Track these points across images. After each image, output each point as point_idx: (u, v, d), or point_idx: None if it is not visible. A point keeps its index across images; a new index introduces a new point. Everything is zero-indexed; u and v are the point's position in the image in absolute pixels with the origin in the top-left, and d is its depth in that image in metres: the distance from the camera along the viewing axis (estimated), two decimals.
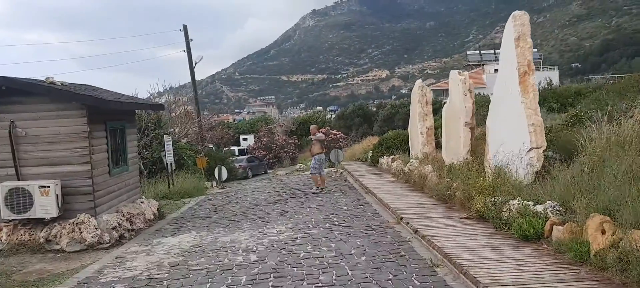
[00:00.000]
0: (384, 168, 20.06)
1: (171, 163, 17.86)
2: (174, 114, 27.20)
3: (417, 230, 8.46)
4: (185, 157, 22.97)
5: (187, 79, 28.22)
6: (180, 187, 17.41)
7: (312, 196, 14.86)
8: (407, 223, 9.12)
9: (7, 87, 9.22)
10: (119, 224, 10.18)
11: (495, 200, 8.68)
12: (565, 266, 5.91)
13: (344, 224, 10.03)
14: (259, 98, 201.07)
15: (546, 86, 30.40)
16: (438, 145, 18.49)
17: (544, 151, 10.15)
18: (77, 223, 9.51)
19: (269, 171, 32.79)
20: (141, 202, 12.15)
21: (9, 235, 9.43)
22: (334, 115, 59.65)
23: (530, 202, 7.85)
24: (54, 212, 9.34)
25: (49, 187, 9.30)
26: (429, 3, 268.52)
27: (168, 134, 18.79)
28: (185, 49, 27.75)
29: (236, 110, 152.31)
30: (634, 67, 66.15)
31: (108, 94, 10.94)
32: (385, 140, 22.40)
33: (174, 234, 10.38)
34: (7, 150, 9.55)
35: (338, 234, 9.16)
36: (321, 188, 15.87)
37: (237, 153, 38.48)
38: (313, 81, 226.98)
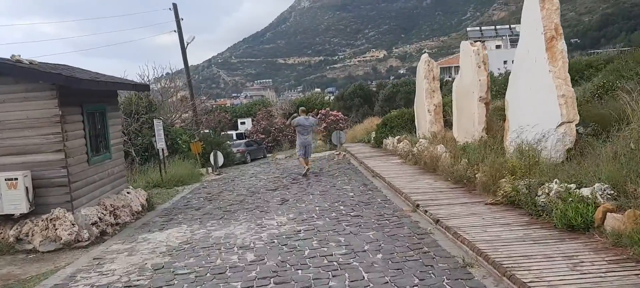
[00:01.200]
0: (389, 149, 18.94)
1: (163, 149, 16.71)
2: (171, 99, 26.00)
3: (438, 220, 7.36)
4: (180, 142, 21.82)
5: (182, 64, 26.94)
6: (173, 175, 16.29)
7: (314, 181, 13.75)
8: (426, 211, 8.01)
9: None
10: (100, 218, 9.06)
11: (528, 182, 7.57)
12: (633, 264, 4.81)
13: (352, 213, 8.92)
14: (256, 82, 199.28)
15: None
16: (447, 124, 17.39)
17: (575, 125, 9.05)
18: (51, 219, 8.40)
19: (268, 155, 31.68)
20: (127, 193, 11.03)
21: None
22: (332, 97, 58.42)
23: (572, 185, 6.73)
24: (23, 207, 8.22)
25: (16, 179, 8.16)
26: None
27: (159, 118, 17.61)
28: (176, 29, 26.43)
29: (233, 95, 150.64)
30: (633, 41, 64.68)
31: (84, 73, 9.74)
32: (390, 120, 21.24)
33: (163, 228, 9.27)
34: None
35: (347, 225, 8.05)
36: (306, 171, 15.45)
37: (234, 137, 37.33)
38: (310, 63, 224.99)
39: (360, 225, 7.98)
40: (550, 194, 6.87)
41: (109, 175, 10.51)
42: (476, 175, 9.52)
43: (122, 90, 13.40)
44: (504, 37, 66.10)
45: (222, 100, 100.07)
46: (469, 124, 13.34)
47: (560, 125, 8.92)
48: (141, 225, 9.82)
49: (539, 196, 7.15)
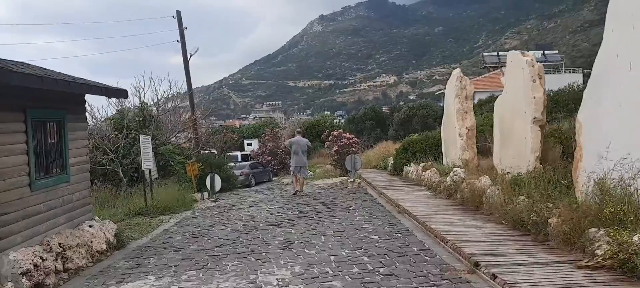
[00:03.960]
0: (411, 178, 16.46)
1: (149, 171, 14.36)
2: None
3: None
4: (174, 164, 19.47)
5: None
6: (161, 201, 13.90)
7: (327, 216, 11.29)
8: (493, 276, 5.50)
9: None
10: (36, 266, 6.64)
11: None
12: None
13: (382, 271, 6.43)
14: (265, 103, 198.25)
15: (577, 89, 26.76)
16: (480, 151, 14.96)
17: None
18: None
19: (273, 178, 29.27)
20: (89, 226, 8.63)
21: None
22: (342, 120, 56.19)
23: None
24: None
25: None
26: (438, 8, 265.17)
27: (147, 134, 15.30)
28: (179, 39, 24.33)
29: (242, 116, 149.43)
30: None
31: (30, 68, 7.41)
32: (411, 144, 18.81)
33: (121, 281, 6.83)
34: None
35: None
36: (295, 191, 16.03)
37: (240, 158, 35.07)
38: (320, 87, 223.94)
39: None
40: None
41: (63, 204, 8.13)
42: (548, 221, 7.03)
43: (103, 100, 11.09)
44: None
45: (231, 121, 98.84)
46: (517, 151, 10.90)
47: None
48: (98, 273, 7.40)
49: None
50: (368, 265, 6.74)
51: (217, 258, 7.74)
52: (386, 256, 7.16)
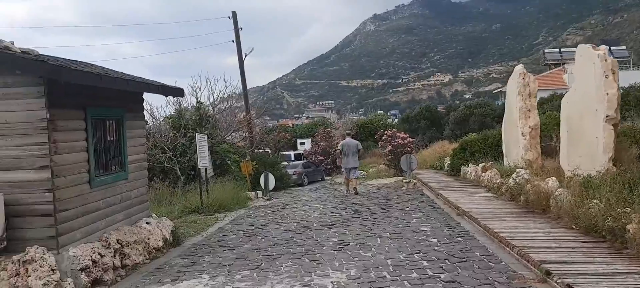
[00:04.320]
0: (469, 179, 15.87)
1: (206, 169, 14.50)
2: (223, 114, 24.04)
3: None
4: (230, 162, 19.67)
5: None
6: (216, 198, 14.00)
7: (382, 217, 10.98)
8: (569, 286, 5.05)
9: None
10: (95, 262, 6.72)
11: None
12: None
13: (443, 277, 6.08)
14: (318, 103, 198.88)
15: None
16: (544, 151, 14.20)
17: None
18: (24, 261, 6.13)
19: (326, 178, 29.15)
20: (146, 223, 8.72)
21: None
22: (395, 119, 55.42)
23: None
24: None
25: None
26: (495, 5, 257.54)
27: (203, 133, 15.47)
28: (234, 39, 24.59)
29: (295, 115, 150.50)
30: None
31: (90, 67, 7.54)
32: (469, 144, 18.15)
33: (176, 279, 6.82)
34: None
35: None
36: (347, 190, 16.39)
37: (293, 157, 35.21)
38: (373, 86, 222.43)
39: None
40: None
41: (122, 201, 8.24)
42: (627, 227, 6.45)
43: (158, 98, 11.26)
44: None
45: (284, 120, 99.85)
46: (587, 151, 10.21)
47: None
48: (154, 270, 7.43)
49: None
50: (428, 270, 6.41)
51: (271, 258, 7.61)
52: (447, 261, 6.79)
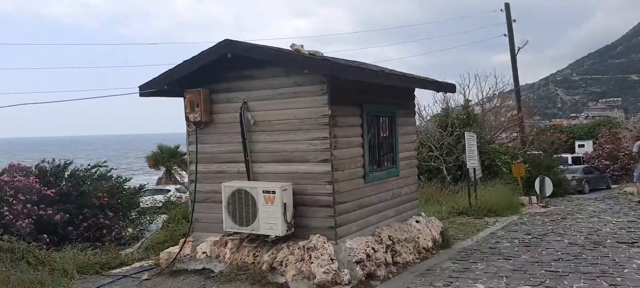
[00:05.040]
0: None
1: (474, 169, 13.82)
2: (494, 115, 22.91)
3: None
4: (500, 163, 18.51)
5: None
6: (485, 201, 13.20)
7: None
8: None
9: (234, 55, 6.93)
10: (368, 256, 6.80)
11: None
12: None
13: None
14: (600, 100, 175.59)
15: None
16: None
17: None
18: (308, 248, 6.56)
19: (612, 186, 25.14)
20: (416, 222, 8.59)
21: (232, 253, 7.14)
22: None
23: None
24: (279, 229, 6.61)
25: (274, 192, 6.61)
26: None
27: (472, 132, 14.79)
28: (506, 33, 23.12)
29: (571, 115, 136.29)
30: None
31: (371, 66, 7.71)
32: None
33: (449, 285, 6.42)
34: (239, 139, 7.30)
35: None
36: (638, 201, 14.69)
37: (570, 161, 31.57)
38: None
39: None
40: None
41: (393, 197, 8.26)
42: None
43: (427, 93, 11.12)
44: None
45: (557, 120, 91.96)
46: None
47: None
48: (424, 271, 7.20)
49: None
50: None
51: (557, 276, 6.59)
52: None
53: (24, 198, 10.38)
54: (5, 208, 9.96)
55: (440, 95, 20.47)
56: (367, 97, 7.53)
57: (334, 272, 6.33)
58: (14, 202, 10.18)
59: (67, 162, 12.43)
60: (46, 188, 11.00)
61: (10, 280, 6.49)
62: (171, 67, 7.40)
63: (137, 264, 8.26)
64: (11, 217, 9.80)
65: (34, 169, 12.00)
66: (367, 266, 6.70)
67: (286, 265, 6.60)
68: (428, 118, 21.12)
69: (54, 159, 12.43)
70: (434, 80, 8.89)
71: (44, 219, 10.38)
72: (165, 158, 35.03)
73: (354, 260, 6.57)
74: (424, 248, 8.20)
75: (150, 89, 7.60)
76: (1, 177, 10.95)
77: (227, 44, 6.90)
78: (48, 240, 9.83)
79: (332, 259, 6.42)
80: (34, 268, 7.19)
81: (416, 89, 9.11)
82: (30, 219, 10.05)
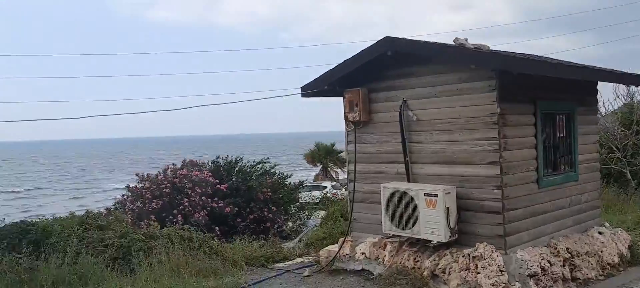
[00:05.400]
0: None
1: None
2: None
3: None
4: None
5: None
6: None
7: None
8: None
9: (394, 52, 6.72)
10: (544, 269, 6.11)
11: None
12: None
13: None
14: None
15: None
16: None
17: None
18: (473, 257, 6.10)
19: None
20: (598, 233, 7.56)
21: (392, 256, 6.94)
22: None
23: None
24: (441, 234, 6.25)
25: (436, 195, 6.26)
26: None
27: None
28: None
29: None
30: None
31: (545, 59, 6.95)
32: None
33: None
34: (398, 139, 7.08)
35: None
36: None
37: None
38: None
39: None
40: None
41: (571, 205, 7.36)
42: None
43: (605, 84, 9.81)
44: None
45: None
46: None
47: None
48: None
49: None
50: None
51: None
52: None
53: (200, 190, 11.38)
54: (185, 199, 11.01)
55: (622, 88, 18.06)
56: (541, 92, 6.78)
57: (503, 284, 5.80)
58: (192, 194, 11.20)
59: (238, 158, 13.38)
60: (219, 183, 11.93)
61: (190, 267, 7.10)
62: (331, 67, 7.45)
63: (298, 260, 8.50)
64: (190, 208, 10.80)
65: (209, 164, 13.11)
66: (542, 281, 6.03)
67: (449, 273, 6.22)
68: (607, 115, 18.77)
69: (227, 156, 13.45)
70: (622, 72, 7.73)
71: (216, 211, 11.27)
72: (321, 155, 36.34)
73: (526, 274, 5.95)
74: (608, 263, 7.17)
75: (311, 89, 7.73)
76: (180, 171, 12.12)
77: (387, 42, 6.71)
78: (218, 231, 10.64)
79: (500, 270, 5.88)
80: (209, 257, 7.80)
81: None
82: (205, 211, 10.98)
